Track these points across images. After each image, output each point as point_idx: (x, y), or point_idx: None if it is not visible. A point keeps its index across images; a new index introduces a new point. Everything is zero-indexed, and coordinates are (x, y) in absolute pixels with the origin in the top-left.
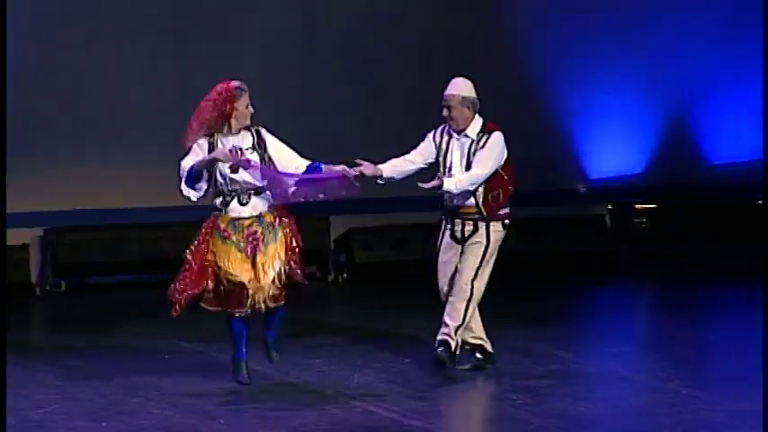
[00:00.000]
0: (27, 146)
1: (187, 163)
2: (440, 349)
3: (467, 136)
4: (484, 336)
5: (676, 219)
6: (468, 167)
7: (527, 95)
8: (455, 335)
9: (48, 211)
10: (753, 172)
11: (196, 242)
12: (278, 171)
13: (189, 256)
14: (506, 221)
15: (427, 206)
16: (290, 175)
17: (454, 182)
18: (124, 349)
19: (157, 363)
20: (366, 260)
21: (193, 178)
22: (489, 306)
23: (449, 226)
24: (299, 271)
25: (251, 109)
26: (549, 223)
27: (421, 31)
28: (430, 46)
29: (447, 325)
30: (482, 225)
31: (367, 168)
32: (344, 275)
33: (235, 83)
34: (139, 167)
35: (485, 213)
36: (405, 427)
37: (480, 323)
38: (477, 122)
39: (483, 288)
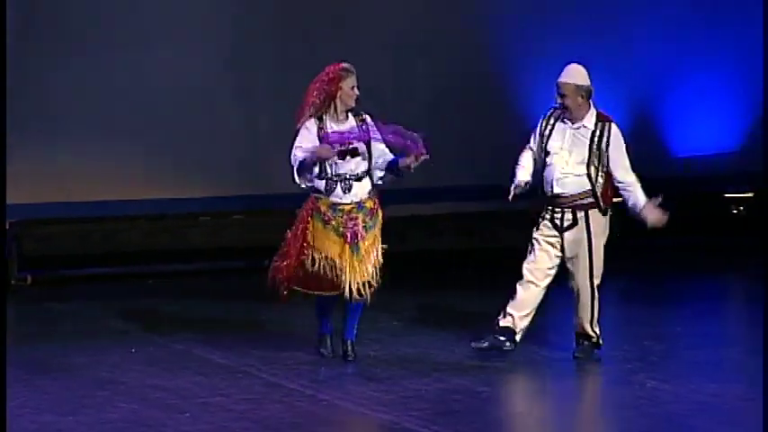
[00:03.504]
0: None
1: (298, 154)
2: (584, 343)
3: (584, 126)
4: (527, 323)
5: None
6: (591, 161)
7: (495, 92)
8: (591, 329)
9: (13, 204)
10: (720, 164)
11: (297, 225)
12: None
13: (289, 240)
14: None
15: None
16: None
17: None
18: (90, 343)
19: (124, 356)
20: None
21: (305, 170)
22: (462, 297)
23: (547, 214)
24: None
25: (356, 91)
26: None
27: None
28: (405, 44)
29: (581, 320)
30: (581, 217)
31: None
32: None
33: (343, 64)
34: (107, 160)
35: (601, 204)
36: (371, 420)
37: (534, 311)
38: (592, 112)
39: (601, 269)
